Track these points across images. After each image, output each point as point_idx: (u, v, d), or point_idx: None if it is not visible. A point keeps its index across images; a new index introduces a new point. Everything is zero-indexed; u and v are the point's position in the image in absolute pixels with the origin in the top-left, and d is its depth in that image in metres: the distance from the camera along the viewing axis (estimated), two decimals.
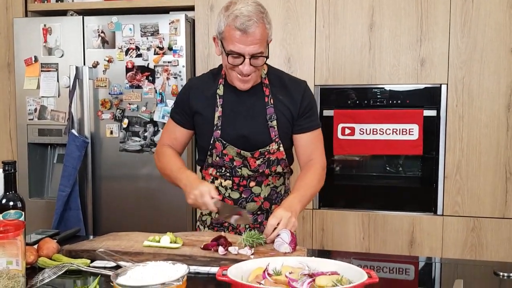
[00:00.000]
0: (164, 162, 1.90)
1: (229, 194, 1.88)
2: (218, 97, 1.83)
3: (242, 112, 1.82)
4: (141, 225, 2.89)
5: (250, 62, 1.68)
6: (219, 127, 1.82)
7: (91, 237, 1.82)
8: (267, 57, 1.72)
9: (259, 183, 1.88)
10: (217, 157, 1.84)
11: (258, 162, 1.83)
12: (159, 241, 1.59)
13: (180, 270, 1.18)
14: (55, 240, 1.68)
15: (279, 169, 1.88)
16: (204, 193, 1.67)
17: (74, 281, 1.40)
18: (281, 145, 1.83)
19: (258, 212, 1.90)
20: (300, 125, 1.86)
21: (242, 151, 1.81)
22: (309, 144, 1.88)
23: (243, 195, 1.87)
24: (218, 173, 1.88)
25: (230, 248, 1.52)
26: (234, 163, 1.83)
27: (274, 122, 1.82)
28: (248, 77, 1.73)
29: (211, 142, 1.82)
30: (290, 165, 1.94)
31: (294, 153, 1.94)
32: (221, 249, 1.51)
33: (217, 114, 1.82)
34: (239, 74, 1.73)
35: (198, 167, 1.97)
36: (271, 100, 1.82)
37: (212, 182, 1.90)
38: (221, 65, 1.87)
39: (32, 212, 3.09)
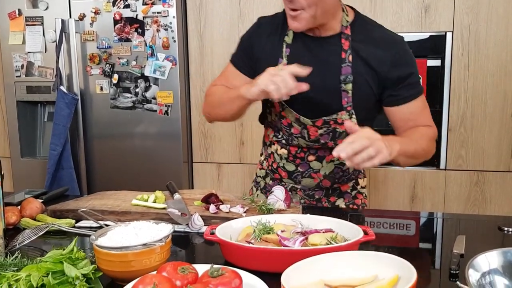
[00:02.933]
0: (215, 98, 1.61)
1: (283, 164, 1.65)
2: (284, 46, 1.55)
3: (310, 66, 1.43)
4: (135, 183, 2.90)
5: None
6: None
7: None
8: None
9: (320, 158, 1.60)
10: (275, 117, 1.60)
11: (320, 131, 1.54)
12: (147, 200, 1.53)
13: (164, 230, 1.11)
14: (41, 200, 1.63)
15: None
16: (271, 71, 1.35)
17: (58, 242, 1.34)
18: (354, 115, 1.51)
19: (316, 189, 1.67)
20: (397, 95, 1.50)
21: (301, 117, 1.53)
22: (411, 116, 1.53)
23: (299, 169, 1.63)
24: (274, 138, 1.65)
25: (221, 206, 1.46)
26: (292, 130, 1.57)
27: (349, 86, 1.48)
28: (296, 11, 1.42)
29: (269, 99, 1.50)
30: None
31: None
32: (212, 207, 1.45)
33: (281, 66, 1.49)
34: (288, 9, 1.43)
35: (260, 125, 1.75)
36: (350, 56, 1.48)
37: (270, 145, 1.69)
38: None
39: (24, 172, 3.08)
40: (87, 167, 3.00)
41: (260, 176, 1.80)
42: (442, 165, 2.75)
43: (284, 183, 1.68)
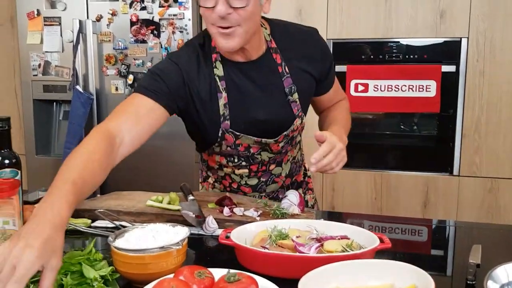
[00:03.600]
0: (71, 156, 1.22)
1: (245, 181, 1.61)
2: (218, 79, 1.43)
3: (253, 92, 1.45)
4: (147, 182, 2.89)
5: (226, 0, 1.26)
6: (227, 117, 1.44)
7: (98, 195, 1.77)
8: None
9: (279, 163, 1.61)
10: (228, 147, 1.51)
11: (281, 144, 1.54)
12: (162, 201, 1.54)
13: (181, 232, 1.12)
14: None
15: (298, 138, 1.64)
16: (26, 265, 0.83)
17: (74, 242, 1.36)
18: (304, 116, 1.55)
19: (279, 190, 1.67)
20: (323, 87, 1.59)
21: (263, 139, 1.49)
22: (333, 97, 1.64)
23: (262, 179, 1.61)
24: (229, 163, 1.56)
25: (235, 209, 1.46)
26: (251, 150, 1.52)
27: (296, 95, 1.48)
28: (229, 29, 1.29)
29: (219, 134, 1.47)
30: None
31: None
32: (226, 210, 1.45)
33: (222, 101, 1.43)
34: (218, 27, 1.30)
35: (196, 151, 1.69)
36: (286, 67, 1.46)
37: (220, 169, 1.61)
38: (204, 34, 1.46)
39: (39, 169, 3.12)
40: None
41: (216, 181, 1.71)
42: (455, 171, 2.74)
43: (250, 195, 1.65)
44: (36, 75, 3.05)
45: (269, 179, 1.62)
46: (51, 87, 3.04)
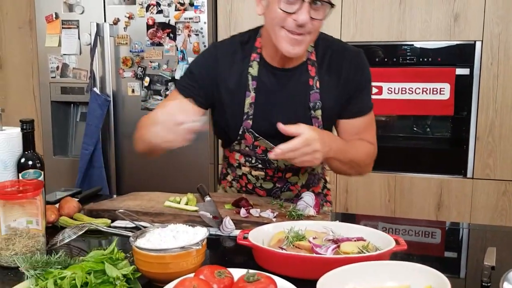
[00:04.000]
0: (144, 121, 1.49)
1: (261, 184, 1.63)
2: (250, 78, 1.48)
3: (279, 98, 1.48)
4: (163, 183, 2.92)
5: (310, 8, 1.30)
6: (250, 117, 1.49)
7: (115, 196, 1.81)
8: (331, 5, 1.33)
9: (296, 172, 1.61)
10: (247, 147, 1.55)
11: None
12: (179, 202, 1.56)
13: (200, 233, 1.15)
14: (77, 199, 1.68)
15: None
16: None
17: (96, 241, 1.40)
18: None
19: (294, 198, 1.66)
20: (349, 110, 1.52)
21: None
22: (358, 130, 1.54)
23: (277, 185, 1.63)
24: (247, 162, 1.59)
25: (251, 211, 1.48)
26: (269, 155, 1.50)
27: (319, 112, 1.48)
28: (301, 36, 1.34)
29: (240, 132, 1.51)
30: None
31: None
32: (242, 211, 1.47)
33: (249, 100, 1.48)
34: (288, 32, 1.34)
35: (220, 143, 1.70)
36: (317, 82, 1.47)
37: (239, 167, 1.64)
38: (251, 33, 1.52)
39: (56, 170, 3.16)
40: (117, 166, 3.06)
41: (233, 180, 1.74)
42: (469, 174, 2.74)
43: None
44: (54, 77, 3.09)
45: (284, 186, 1.64)
46: (68, 89, 3.08)
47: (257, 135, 1.51)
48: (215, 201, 1.58)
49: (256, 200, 1.60)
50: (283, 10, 1.31)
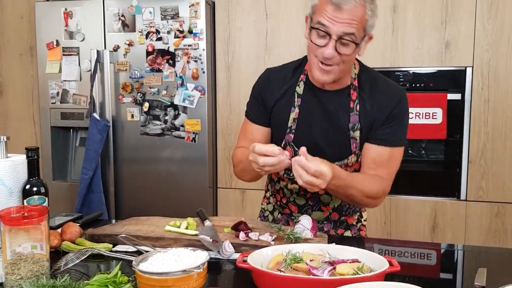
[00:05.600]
0: (239, 158, 1.65)
1: (294, 199, 1.70)
2: (296, 96, 1.60)
3: (321, 116, 1.58)
4: (162, 208, 2.93)
5: (336, 45, 1.41)
6: (293, 131, 1.60)
7: (113, 221, 1.83)
8: (357, 45, 1.43)
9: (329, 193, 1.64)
10: None
11: None
12: (179, 226, 1.58)
13: (201, 257, 1.18)
14: (78, 224, 1.70)
15: None
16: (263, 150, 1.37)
17: (98, 265, 1.42)
18: (360, 156, 1.60)
19: (325, 222, 1.72)
20: (377, 135, 1.56)
21: None
22: (378, 159, 1.56)
23: (309, 202, 1.68)
24: (285, 175, 1.66)
25: (250, 234, 1.51)
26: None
27: (357, 133, 1.56)
28: (329, 66, 1.45)
29: (282, 145, 1.60)
30: None
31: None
32: (241, 235, 1.50)
33: (293, 115, 1.60)
34: (320, 61, 1.46)
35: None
36: (357, 106, 1.56)
37: (278, 182, 1.72)
38: (303, 58, 1.64)
39: (55, 194, 3.12)
40: (116, 191, 3.06)
41: (267, 210, 1.83)
42: (462, 196, 2.77)
43: (293, 217, 1.72)
44: (54, 103, 3.12)
45: (316, 205, 1.68)
46: (68, 114, 3.10)
47: (296, 149, 1.58)
48: (215, 225, 1.61)
49: (255, 224, 1.63)
50: (313, 43, 1.45)
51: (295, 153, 1.59)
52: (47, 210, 1.35)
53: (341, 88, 1.57)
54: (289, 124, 1.61)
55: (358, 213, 1.78)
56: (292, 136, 1.60)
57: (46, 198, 1.46)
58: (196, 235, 1.53)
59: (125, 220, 1.76)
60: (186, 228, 1.58)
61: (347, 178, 1.47)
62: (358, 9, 1.40)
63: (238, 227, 1.54)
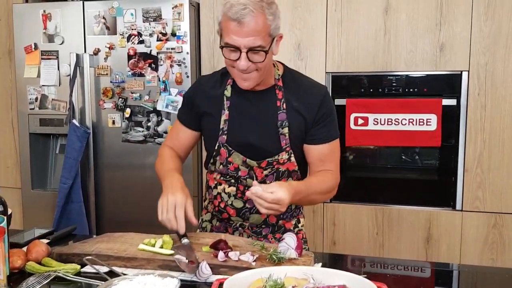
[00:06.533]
0: (158, 164, 1.78)
1: (231, 202, 1.72)
2: (225, 99, 1.69)
3: (250, 116, 1.67)
4: (145, 219, 2.77)
5: (247, 56, 1.50)
6: (225, 132, 1.67)
7: (94, 236, 1.74)
8: (266, 52, 1.52)
9: None
10: (221, 165, 1.70)
11: (265, 172, 1.67)
12: (154, 245, 1.50)
13: (170, 285, 1.07)
14: (49, 240, 1.64)
15: (289, 180, 1.71)
16: (179, 202, 1.51)
17: None
18: (292, 155, 1.66)
19: (263, 226, 1.74)
20: (314, 135, 1.67)
21: (248, 160, 1.66)
22: (322, 156, 1.68)
23: (247, 205, 1.71)
24: (222, 178, 1.73)
25: (230, 254, 1.42)
26: (239, 173, 1.68)
27: (286, 130, 1.64)
28: (247, 74, 1.56)
29: (216, 148, 1.68)
30: (304, 177, 1.73)
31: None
32: (221, 255, 1.41)
33: (224, 117, 1.67)
34: (238, 71, 1.57)
35: (205, 170, 1.83)
36: (284, 104, 1.65)
37: (215, 187, 1.75)
38: None
39: (35, 204, 3.09)
40: (97, 201, 2.98)
41: (206, 220, 1.85)
42: (458, 206, 2.68)
43: (232, 222, 1.75)
44: (33, 108, 3.03)
45: (254, 207, 1.65)
46: (47, 120, 3.02)
47: (230, 148, 1.67)
48: (193, 242, 1.53)
49: (236, 241, 1.55)
50: (226, 58, 1.55)
51: (229, 153, 1.67)
52: (4, 231, 1.24)
53: (266, 88, 1.66)
54: (221, 126, 1.68)
55: (296, 219, 1.82)
56: (225, 137, 1.67)
57: (5, 218, 1.34)
58: (171, 255, 1.44)
59: (98, 237, 1.67)
60: (161, 247, 1.49)
61: (305, 190, 1.57)
62: (258, 19, 1.47)
63: (217, 245, 1.46)
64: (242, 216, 1.72)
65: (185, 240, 1.51)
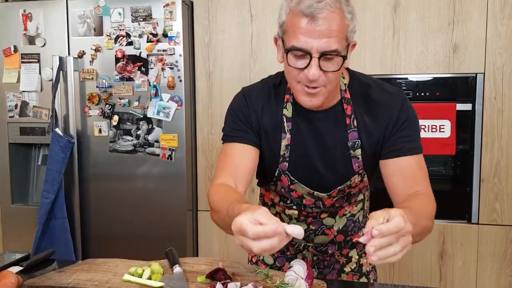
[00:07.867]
0: (215, 214, 1.34)
1: (294, 224, 1.47)
2: (285, 120, 1.44)
3: (315, 141, 1.43)
4: (134, 236, 2.74)
5: (319, 63, 1.24)
6: (287, 159, 1.44)
7: (79, 262, 1.56)
8: (344, 58, 1.26)
9: (333, 214, 1.54)
10: (282, 189, 1.50)
11: (335, 199, 1.48)
12: (141, 275, 1.33)
13: None
14: (20, 268, 1.50)
15: (360, 197, 1.56)
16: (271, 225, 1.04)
17: None
18: (365, 176, 1.46)
19: (329, 244, 1.58)
20: (392, 146, 1.39)
21: (315, 192, 1.45)
22: (407, 173, 1.37)
23: (311, 227, 1.54)
24: (281, 202, 1.54)
25: (229, 285, 1.26)
26: (304, 201, 1.49)
27: (358, 151, 1.41)
28: (316, 89, 1.29)
29: (276, 174, 1.46)
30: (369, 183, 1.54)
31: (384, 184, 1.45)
32: (218, 286, 1.25)
33: (284, 142, 1.44)
34: (304, 85, 1.29)
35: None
36: (354, 121, 1.41)
37: (273, 207, 1.58)
38: (282, 75, 1.48)
39: (15, 220, 2.93)
40: (82, 217, 2.83)
41: None
42: (474, 219, 2.55)
43: (294, 242, 1.59)
44: (13, 116, 2.87)
45: (319, 229, 1.55)
46: (28, 129, 2.86)
47: (292, 178, 1.46)
48: (187, 270, 1.38)
49: (236, 269, 1.38)
50: (291, 66, 1.28)
51: (291, 182, 1.46)
52: None
53: (333, 105, 1.42)
54: (282, 152, 1.44)
55: (363, 228, 1.64)
56: (286, 164, 1.45)
57: None
58: (161, 287, 1.28)
59: (77, 264, 1.49)
60: (150, 278, 1.33)
61: (408, 212, 1.10)
62: (335, 15, 1.22)
63: (214, 275, 1.30)
64: (306, 238, 1.56)
65: (177, 269, 1.35)
